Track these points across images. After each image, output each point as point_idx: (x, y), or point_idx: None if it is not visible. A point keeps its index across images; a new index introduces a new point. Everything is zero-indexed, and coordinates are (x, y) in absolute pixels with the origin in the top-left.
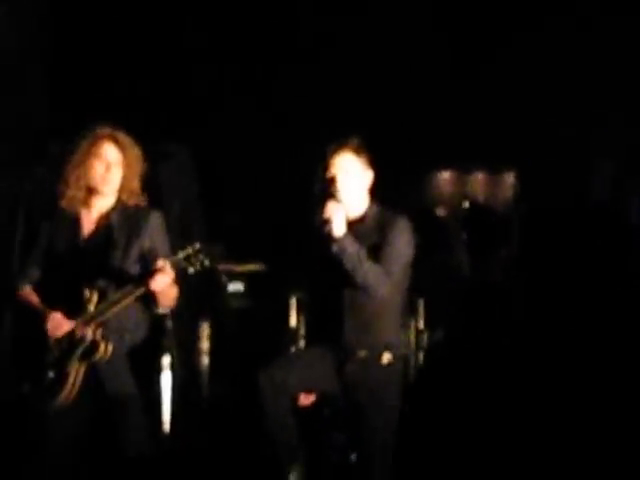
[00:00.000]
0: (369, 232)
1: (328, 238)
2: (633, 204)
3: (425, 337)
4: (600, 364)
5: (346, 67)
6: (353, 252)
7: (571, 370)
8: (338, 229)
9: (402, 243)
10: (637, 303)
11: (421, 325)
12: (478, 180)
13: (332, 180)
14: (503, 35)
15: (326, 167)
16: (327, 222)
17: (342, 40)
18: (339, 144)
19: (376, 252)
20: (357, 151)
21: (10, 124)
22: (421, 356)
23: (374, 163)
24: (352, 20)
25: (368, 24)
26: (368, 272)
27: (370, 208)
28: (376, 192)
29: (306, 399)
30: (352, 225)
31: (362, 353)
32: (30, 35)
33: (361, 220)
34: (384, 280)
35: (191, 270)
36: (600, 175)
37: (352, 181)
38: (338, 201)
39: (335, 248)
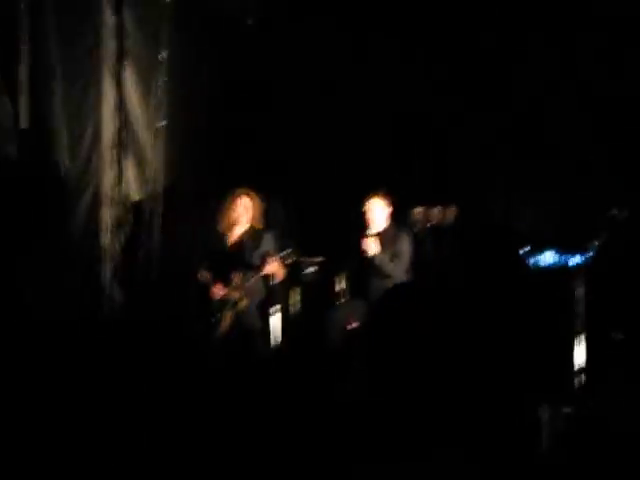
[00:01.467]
0: (389, 240)
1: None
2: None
3: None
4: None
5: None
6: (383, 261)
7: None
8: (372, 251)
9: (407, 248)
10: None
11: None
12: (435, 211)
13: (365, 213)
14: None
15: (364, 205)
16: (365, 250)
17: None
18: (373, 192)
19: (394, 255)
20: (382, 196)
21: None
22: None
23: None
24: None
25: None
26: (392, 268)
27: (389, 226)
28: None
29: (351, 325)
30: (379, 237)
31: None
32: None
33: (384, 232)
34: (398, 270)
35: (287, 261)
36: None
37: (378, 213)
38: (369, 233)
39: (375, 261)
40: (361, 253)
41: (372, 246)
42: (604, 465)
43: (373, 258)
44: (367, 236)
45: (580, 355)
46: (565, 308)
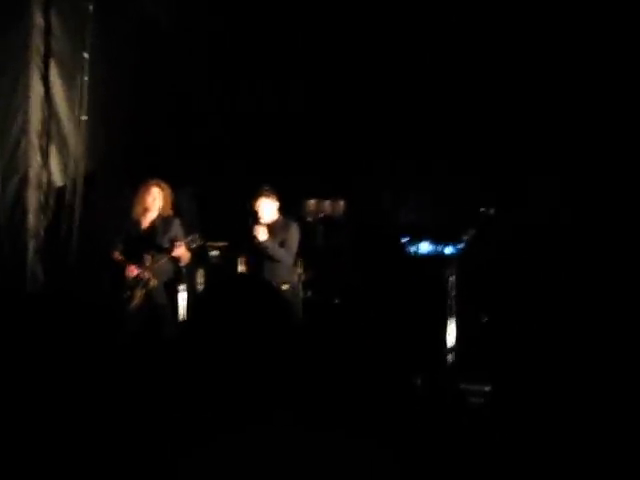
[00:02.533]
0: (279, 230)
1: (256, 242)
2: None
3: (302, 276)
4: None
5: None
6: (270, 246)
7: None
8: (262, 237)
9: (295, 237)
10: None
11: (301, 271)
12: (327, 204)
13: (256, 212)
14: None
15: (253, 203)
16: (254, 235)
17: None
18: (259, 192)
19: (282, 242)
20: (268, 194)
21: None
22: (300, 285)
23: (278, 196)
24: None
25: None
26: (280, 254)
27: (278, 217)
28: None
29: None
30: (270, 226)
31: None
32: None
33: (274, 224)
34: (287, 256)
35: (193, 245)
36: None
37: (267, 209)
38: (260, 222)
39: (262, 246)
40: (252, 239)
41: (261, 233)
42: (467, 433)
43: (263, 244)
44: (257, 224)
45: (451, 335)
46: (439, 292)
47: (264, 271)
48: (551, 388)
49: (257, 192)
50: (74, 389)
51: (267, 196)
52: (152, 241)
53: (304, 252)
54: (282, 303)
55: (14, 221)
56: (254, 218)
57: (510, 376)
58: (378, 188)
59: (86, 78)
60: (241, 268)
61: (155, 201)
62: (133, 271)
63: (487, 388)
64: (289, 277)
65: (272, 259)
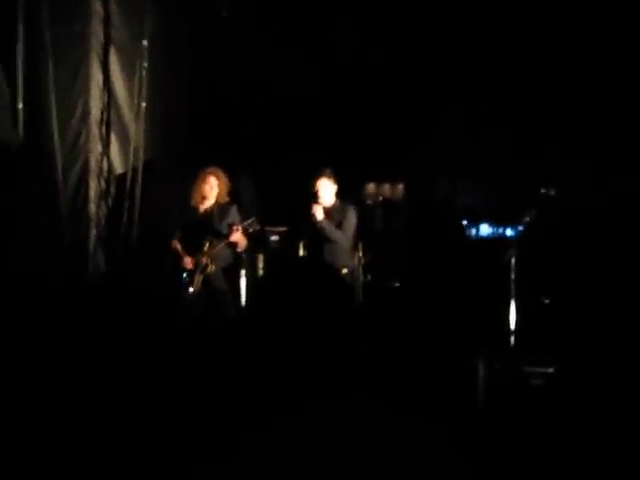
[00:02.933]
0: (336, 213)
1: (315, 220)
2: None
3: (362, 260)
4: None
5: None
6: (327, 226)
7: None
8: (319, 216)
9: (352, 220)
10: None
11: (360, 255)
12: (386, 187)
13: (316, 192)
14: None
15: (314, 185)
16: (313, 215)
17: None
18: (320, 173)
19: (339, 224)
20: (329, 176)
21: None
22: (360, 269)
23: (338, 181)
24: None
25: None
26: (336, 235)
27: (336, 201)
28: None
29: None
30: (328, 210)
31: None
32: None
33: (332, 208)
34: (343, 238)
35: (250, 229)
36: (440, 183)
37: (326, 191)
38: (319, 203)
39: (319, 225)
40: (310, 218)
41: (318, 212)
42: (529, 415)
43: (319, 225)
44: (316, 203)
45: (512, 317)
46: (500, 275)
47: (324, 254)
48: (613, 370)
49: (318, 173)
50: (136, 371)
51: (328, 177)
52: (210, 227)
53: (363, 236)
54: (343, 286)
55: (76, 209)
56: (314, 198)
57: (572, 358)
58: (437, 171)
59: (145, 65)
60: (301, 252)
61: (212, 189)
62: (189, 264)
63: (550, 370)
64: (349, 261)
65: (330, 241)
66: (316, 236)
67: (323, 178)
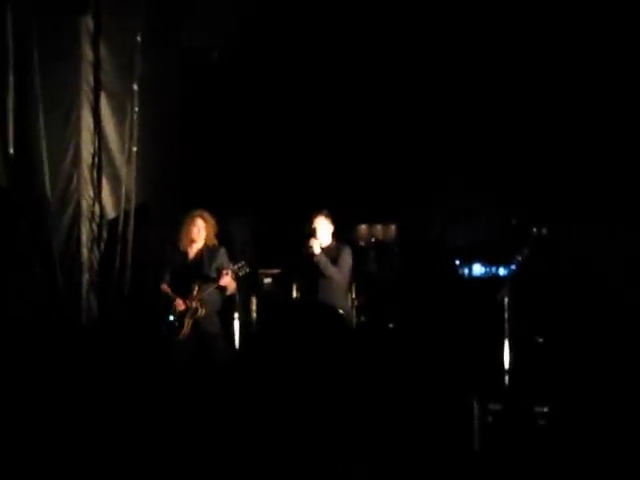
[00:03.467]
0: (332, 253)
1: (311, 255)
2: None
3: (355, 301)
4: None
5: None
6: (323, 260)
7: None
8: (316, 250)
9: (347, 258)
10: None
11: (354, 296)
12: (378, 228)
13: (314, 229)
14: None
15: (310, 222)
16: (310, 247)
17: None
18: (318, 211)
19: (335, 262)
20: (326, 215)
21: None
22: (354, 311)
23: (334, 220)
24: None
25: None
26: (331, 270)
27: (332, 242)
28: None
29: None
30: (324, 249)
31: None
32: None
33: (327, 247)
34: (339, 275)
35: (240, 273)
36: (432, 224)
37: (324, 229)
38: (316, 239)
39: (315, 259)
40: (306, 253)
41: (315, 245)
42: (529, 455)
43: (316, 259)
44: (314, 237)
45: (506, 357)
46: (493, 314)
47: (319, 294)
48: (607, 406)
49: (315, 212)
50: (128, 417)
51: (325, 216)
52: (199, 271)
53: (357, 277)
54: (342, 327)
55: (68, 254)
56: (310, 234)
57: (567, 396)
58: (428, 212)
59: (136, 109)
60: (295, 294)
61: (200, 232)
62: (180, 305)
63: (545, 409)
64: (343, 302)
65: (325, 278)
66: (311, 273)
67: (320, 216)
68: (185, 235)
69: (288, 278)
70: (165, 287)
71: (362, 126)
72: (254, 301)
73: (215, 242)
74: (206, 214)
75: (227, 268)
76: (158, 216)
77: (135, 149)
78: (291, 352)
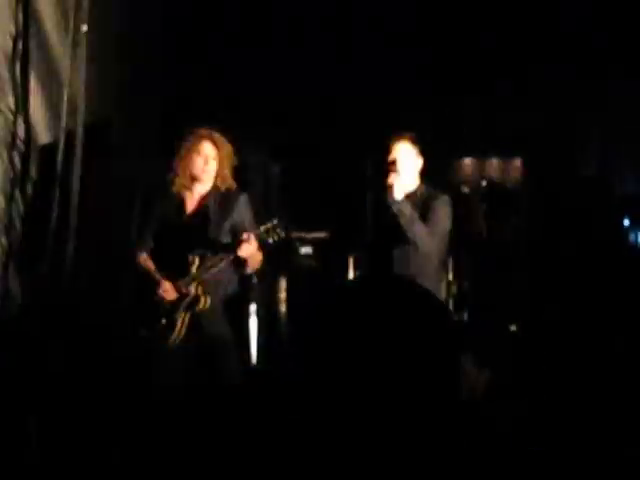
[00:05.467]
0: (418, 204)
1: (389, 201)
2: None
3: (454, 287)
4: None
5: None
6: (408, 212)
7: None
8: (398, 193)
9: (443, 214)
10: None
11: (450, 277)
12: (493, 165)
13: (393, 162)
14: None
15: (389, 151)
16: (389, 188)
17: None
18: (399, 134)
19: (423, 219)
20: (413, 141)
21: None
22: (451, 302)
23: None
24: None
25: None
26: (418, 229)
27: (420, 187)
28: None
29: None
30: (408, 196)
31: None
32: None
33: (413, 195)
34: (429, 238)
35: (270, 240)
36: (585, 156)
37: (408, 162)
38: (398, 175)
39: (394, 208)
40: (380, 194)
41: (396, 188)
42: None
43: (395, 208)
44: (394, 172)
45: None
46: None
47: (394, 263)
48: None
49: (395, 136)
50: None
51: (412, 142)
52: (203, 233)
53: (458, 245)
54: (447, 322)
55: None
56: (387, 170)
57: None
58: (578, 138)
59: None
60: (351, 274)
61: (208, 164)
62: (170, 291)
63: None
64: (432, 285)
65: (405, 244)
66: (383, 236)
67: (404, 142)
68: (182, 170)
69: (341, 246)
70: (144, 260)
71: None
72: (283, 284)
73: (232, 184)
74: (218, 135)
75: (250, 230)
76: (127, 141)
77: (86, 28)
78: (357, 367)
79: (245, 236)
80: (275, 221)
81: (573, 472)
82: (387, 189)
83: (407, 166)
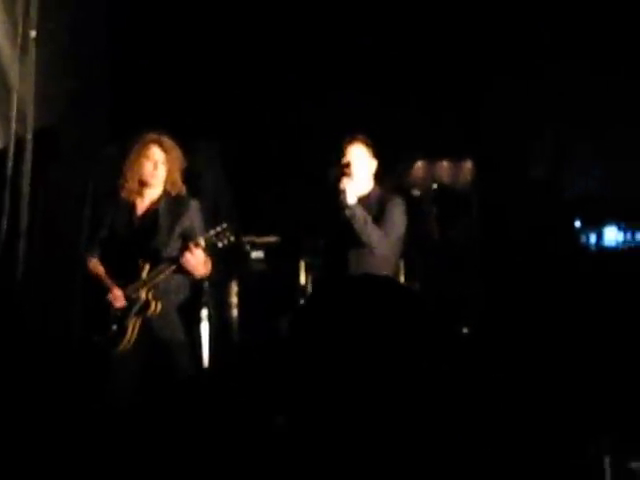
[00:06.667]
0: (372, 206)
1: (342, 206)
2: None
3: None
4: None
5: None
6: (361, 216)
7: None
8: (351, 198)
9: (398, 215)
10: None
11: (402, 280)
12: (443, 167)
13: (347, 164)
14: None
15: (342, 154)
16: (342, 193)
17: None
18: (353, 136)
19: (377, 222)
20: (366, 143)
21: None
22: None
23: (377, 153)
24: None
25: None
26: (372, 232)
27: (374, 189)
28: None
29: None
30: (360, 201)
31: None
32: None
33: (367, 197)
34: (383, 240)
35: (219, 244)
36: (535, 158)
37: (362, 165)
38: (351, 179)
39: (348, 213)
40: (333, 198)
41: (349, 191)
42: None
43: (348, 213)
44: (346, 175)
45: None
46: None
47: (349, 266)
48: None
49: (349, 138)
50: None
51: (365, 145)
52: (152, 238)
53: (409, 247)
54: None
55: None
56: (340, 173)
57: None
58: (529, 141)
59: None
60: (302, 278)
61: (157, 169)
62: (119, 298)
63: None
64: None
65: (359, 246)
66: (337, 240)
67: (358, 144)
68: (132, 175)
69: (292, 250)
70: (94, 265)
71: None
72: (234, 289)
73: (182, 189)
74: (167, 139)
75: (198, 235)
76: (75, 145)
77: (34, 34)
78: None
79: (192, 243)
80: (224, 225)
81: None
82: (340, 193)
83: (361, 169)
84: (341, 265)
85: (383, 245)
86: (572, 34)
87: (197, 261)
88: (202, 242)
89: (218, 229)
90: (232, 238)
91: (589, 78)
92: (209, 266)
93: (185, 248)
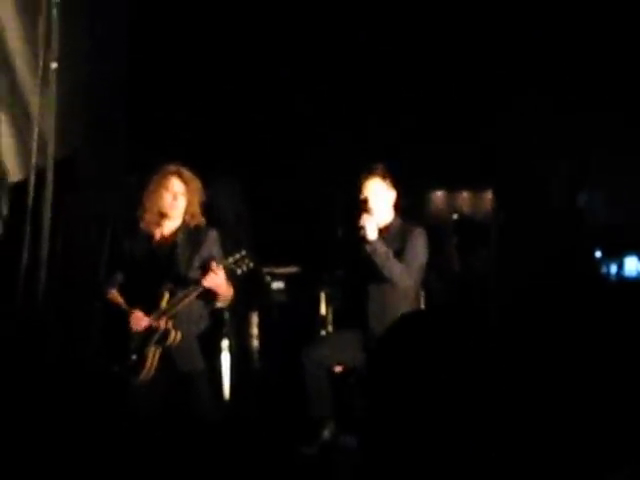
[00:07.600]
0: (394, 238)
1: (362, 241)
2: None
3: None
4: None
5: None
6: (382, 251)
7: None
8: (371, 234)
9: (420, 247)
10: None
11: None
12: (463, 197)
13: (365, 200)
14: None
15: (359, 189)
16: (362, 229)
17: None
18: (369, 171)
19: (399, 254)
20: (383, 176)
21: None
22: None
23: (396, 183)
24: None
25: None
26: (393, 267)
27: (394, 220)
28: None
29: (337, 369)
30: (380, 233)
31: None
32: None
33: (387, 229)
34: (405, 274)
35: (238, 271)
36: (555, 187)
37: (380, 199)
38: (371, 214)
39: (369, 248)
40: (353, 234)
41: (369, 226)
42: None
43: (369, 248)
44: (367, 212)
45: None
46: None
47: (368, 307)
48: None
49: (366, 172)
50: None
51: (382, 178)
52: (172, 267)
53: (429, 279)
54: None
55: None
56: (359, 209)
57: None
58: (549, 168)
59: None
60: (323, 309)
61: (177, 201)
62: (141, 321)
63: None
64: None
65: (381, 281)
66: (357, 274)
67: (375, 179)
68: (151, 206)
69: (313, 282)
70: (114, 295)
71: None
72: (254, 320)
73: (201, 219)
74: (186, 171)
75: (218, 262)
76: (95, 177)
77: (55, 66)
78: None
79: (213, 268)
80: (243, 252)
81: None
82: (360, 229)
83: (379, 202)
84: (362, 297)
85: (405, 279)
86: (589, 69)
87: (221, 280)
88: (221, 267)
89: (237, 256)
90: (251, 265)
91: (607, 112)
92: (230, 293)
93: (207, 271)
